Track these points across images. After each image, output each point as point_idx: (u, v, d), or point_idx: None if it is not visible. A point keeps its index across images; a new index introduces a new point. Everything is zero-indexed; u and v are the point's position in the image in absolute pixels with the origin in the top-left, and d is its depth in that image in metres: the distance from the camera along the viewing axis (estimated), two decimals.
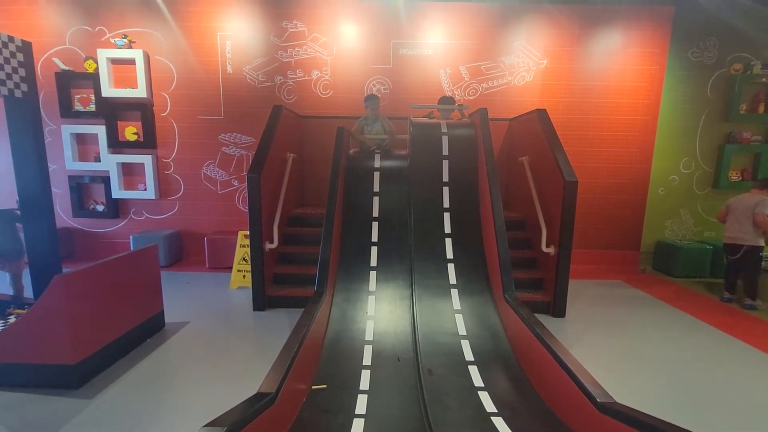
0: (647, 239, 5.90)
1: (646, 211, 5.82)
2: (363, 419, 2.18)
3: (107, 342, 2.86)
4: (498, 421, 2.14)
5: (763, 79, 5.46)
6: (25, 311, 2.91)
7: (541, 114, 4.43)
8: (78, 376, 2.59)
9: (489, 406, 2.31)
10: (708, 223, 5.90)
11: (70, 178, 5.57)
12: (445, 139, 4.37)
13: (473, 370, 2.68)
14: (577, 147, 5.52)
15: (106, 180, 5.54)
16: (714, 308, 4.38)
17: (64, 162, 5.49)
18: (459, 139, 4.42)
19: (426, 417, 2.08)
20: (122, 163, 5.53)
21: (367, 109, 4.81)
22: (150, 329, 3.39)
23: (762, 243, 4.25)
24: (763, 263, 4.37)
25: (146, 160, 5.47)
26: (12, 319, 3.16)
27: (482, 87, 5.54)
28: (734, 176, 5.77)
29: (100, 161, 5.47)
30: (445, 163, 4.24)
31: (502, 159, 5.45)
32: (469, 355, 2.85)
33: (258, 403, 1.64)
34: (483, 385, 2.52)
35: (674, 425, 1.49)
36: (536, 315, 2.87)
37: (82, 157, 5.57)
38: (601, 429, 1.75)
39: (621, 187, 5.74)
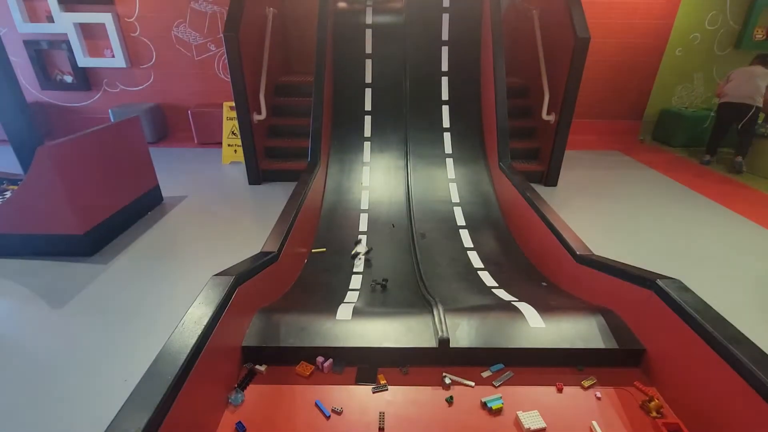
0: (652, 108, 5.68)
1: (657, 75, 5.45)
2: (360, 275, 2.38)
3: (110, 213, 2.94)
4: (484, 275, 2.35)
5: None
6: (18, 187, 2.91)
7: None
8: (89, 245, 2.73)
9: (477, 263, 2.51)
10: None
11: (27, 44, 4.97)
12: None
13: (464, 234, 2.84)
14: None
15: (67, 46, 4.96)
16: (695, 172, 4.53)
17: (14, 24, 4.83)
18: None
19: (418, 272, 2.27)
20: (80, 24, 4.87)
21: None
22: (149, 203, 3.46)
23: (761, 104, 4.29)
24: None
25: (106, 19, 4.80)
26: (9, 195, 3.18)
27: None
28: (759, 35, 5.25)
29: (53, 21, 4.81)
30: (445, 18, 3.75)
31: (509, 16, 4.84)
32: (460, 221, 2.98)
33: (262, 259, 1.75)
34: (472, 246, 2.70)
35: (641, 268, 1.62)
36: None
37: (33, 17, 4.88)
38: (578, 277, 1.92)
39: (635, 47, 5.25)
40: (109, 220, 2.93)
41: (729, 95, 4.40)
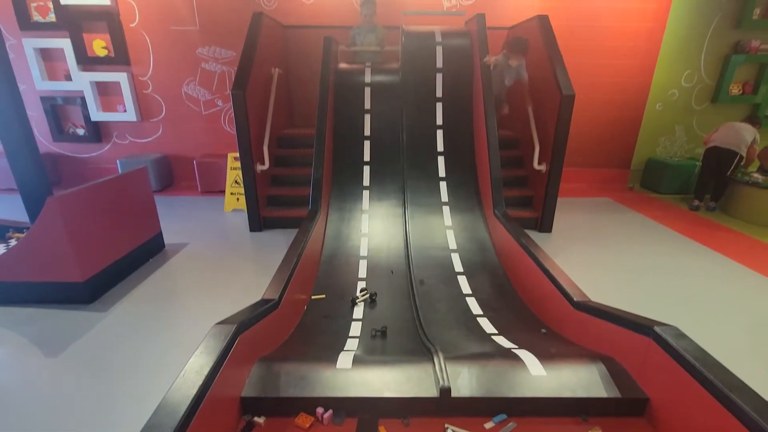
0: (639, 157, 5.93)
1: (641, 128, 5.76)
2: (360, 322, 2.37)
3: (112, 261, 2.96)
4: (483, 321, 2.35)
5: None
6: (23, 235, 2.96)
7: (542, 21, 4.12)
8: (89, 293, 2.73)
9: (475, 309, 2.52)
10: (701, 140, 5.90)
11: (43, 99, 5.25)
12: (439, 50, 4.11)
13: (462, 280, 2.87)
14: (578, 58, 5.24)
15: (82, 101, 5.24)
16: (684, 217, 4.68)
17: (33, 82, 5.14)
18: (454, 49, 4.16)
19: (417, 318, 2.27)
20: (96, 82, 5.19)
21: (362, 16, 4.49)
22: (151, 250, 3.50)
23: (745, 154, 4.64)
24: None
25: (121, 78, 5.12)
26: (13, 243, 3.22)
27: None
28: (735, 90, 5.63)
29: (71, 80, 5.12)
30: (439, 77, 4.04)
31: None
32: (458, 267, 3.02)
33: (263, 307, 1.77)
34: (470, 292, 2.72)
35: (638, 315, 1.65)
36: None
37: (52, 76, 5.20)
38: (576, 323, 1.94)
39: (618, 102, 5.60)
40: (110, 268, 2.95)
41: (716, 141, 4.76)
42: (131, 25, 5.01)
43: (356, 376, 1.57)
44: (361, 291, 2.64)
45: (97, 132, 5.45)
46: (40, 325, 2.50)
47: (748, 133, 4.61)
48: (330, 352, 1.78)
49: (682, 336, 1.45)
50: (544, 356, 1.68)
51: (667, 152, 5.95)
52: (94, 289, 2.78)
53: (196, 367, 1.30)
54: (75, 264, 2.62)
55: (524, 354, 1.70)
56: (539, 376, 1.57)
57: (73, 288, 2.67)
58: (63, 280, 2.66)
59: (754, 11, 5.17)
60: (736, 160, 4.58)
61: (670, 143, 5.91)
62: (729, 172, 4.66)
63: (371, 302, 2.57)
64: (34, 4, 4.88)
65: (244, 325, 1.55)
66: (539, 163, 3.97)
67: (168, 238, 3.75)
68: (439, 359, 1.60)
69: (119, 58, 5.07)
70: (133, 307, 2.74)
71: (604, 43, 5.29)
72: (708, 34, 5.33)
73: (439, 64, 4.07)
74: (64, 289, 2.67)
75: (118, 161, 5.21)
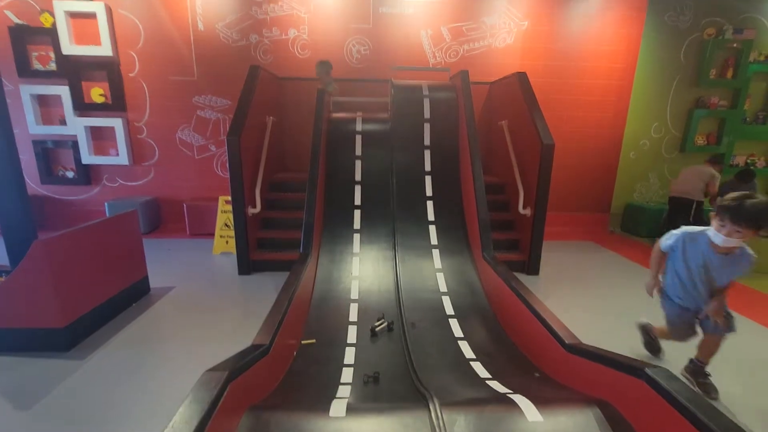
0: (617, 202, 6.19)
1: (617, 174, 6.07)
2: (352, 368, 2.32)
3: (94, 306, 2.87)
4: (476, 365, 2.33)
5: (734, 45, 5.61)
6: (3, 279, 2.86)
7: (521, 77, 4.45)
8: (67, 339, 2.61)
9: (468, 353, 2.49)
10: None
11: (35, 143, 5.28)
12: (426, 102, 4.37)
13: (453, 323, 2.86)
14: (555, 111, 5.61)
15: (74, 145, 5.29)
16: None
17: (27, 126, 5.19)
18: (440, 102, 4.42)
19: (410, 363, 2.24)
20: (90, 126, 5.27)
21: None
22: (136, 294, 3.40)
23: (703, 198, 4.89)
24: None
25: (116, 123, 5.22)
26: None
27: (463, 49, 5.48)
28: (700, 141, 6.05)
29: (66, 125, 5.20)
30: (427, 127, 4.25)
31: (482, 123, 5.50)
32: (449, 310, 3.01)
33: (253, 353, 1.73)
34: (462, 335, 2.70)
35: (629, 357, 1.67)
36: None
37: (46, 121, 5.27)
38: (568, 367, 1.94)
39: (595, 151, 5.94)
40: (92, 313, 2.85)
41: (673, 190, 5.06)
42: (130, 75, 5.20)
43: (350, 425, 1.53)
44: (378, 320, 2.71)
45: (87, 175, 5.46)
46: (10, 374, 2.36)
47: (704, 175, 4.85)
48: (322, 399, 1.73)
49: (673, 378, 1.48)
50: (539, 401, 1.66)
51: (643, 197, 6.24)
52: (73, 336, 2.67)
53: (185, 417, 1.25)
54: (56, 309, 2.53)
55: (520, 399, 1.68)
56: (536, 422, 1.55)
57: (50, 334, 2.56)
58: (40, 326, 2.55)
59: (710, 71, 5.70)
60: (693, 207, 4.83)
61: (645, 189, 6.22)
62: (690, 218, 4.85)
63: (389, 331, 2.68)
64: (35, 54, 5.05)
65: (235, 372, 1.51)
66: (524, 208, 4.11)
67: (154, 282, 3.66)
68: (434, 406, 1.57)
69: (116, 105, 5.20)
70: (112, 354, 2.62)
71: (579, 97, 5.71)
72: (671, 91, 5.82)
73: (427, 114, 4.31)
74: (40, 335, 2.55)
75: (105, 204, 5.18)
